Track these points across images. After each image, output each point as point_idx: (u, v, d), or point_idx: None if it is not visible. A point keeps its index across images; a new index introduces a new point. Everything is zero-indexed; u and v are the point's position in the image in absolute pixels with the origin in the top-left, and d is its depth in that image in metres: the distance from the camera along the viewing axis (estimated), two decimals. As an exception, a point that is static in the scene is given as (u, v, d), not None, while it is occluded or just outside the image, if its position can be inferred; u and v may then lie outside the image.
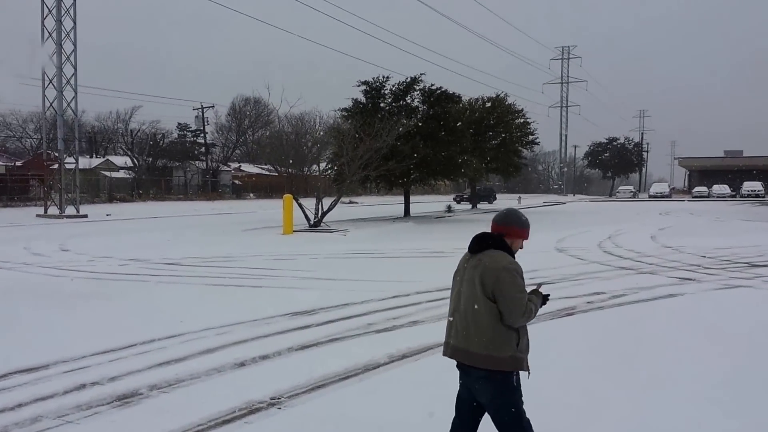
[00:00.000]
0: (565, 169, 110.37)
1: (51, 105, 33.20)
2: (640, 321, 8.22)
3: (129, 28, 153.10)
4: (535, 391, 5.46)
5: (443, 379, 5.63)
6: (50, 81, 32.94)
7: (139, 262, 14.16)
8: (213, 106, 73.49)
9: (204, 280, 11.51)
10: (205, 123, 74.34)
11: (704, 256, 15.01)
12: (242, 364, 6.12)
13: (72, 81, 33.21)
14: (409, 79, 31.12)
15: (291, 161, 25.98)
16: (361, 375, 5.81)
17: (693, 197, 71.42)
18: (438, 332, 7.61)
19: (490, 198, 58.89)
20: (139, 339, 7.00)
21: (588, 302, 9.37)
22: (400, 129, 26.74)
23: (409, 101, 31.52)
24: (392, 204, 50.69)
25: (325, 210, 24.93)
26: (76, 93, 33.52)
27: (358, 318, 8.21)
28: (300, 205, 24.34)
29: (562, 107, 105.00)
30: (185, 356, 6.36)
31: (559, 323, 8.05)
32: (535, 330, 7.77)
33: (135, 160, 67.57)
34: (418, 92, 31.40)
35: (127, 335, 7.16)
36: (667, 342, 7.16)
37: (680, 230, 23.69)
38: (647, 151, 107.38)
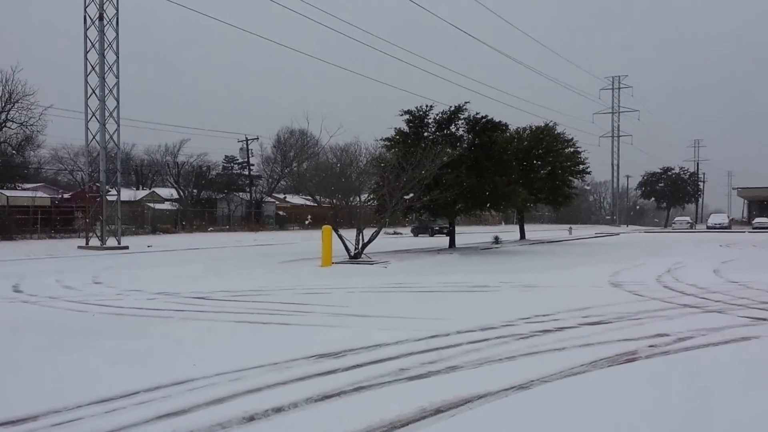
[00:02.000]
0: (618, 199, 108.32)
1: (94, 137, 33.34)
2: (712, 369, 7.20)
3: (179, 62, 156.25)
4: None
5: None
6: (93, 114, 33.12)
7: (168, 296, 13.55)
8: (257, 138, 73.96)
9: (229, 317, 10.79)
10: (250, 155, 74.70)
11: (775, 293, 13.85)
12: (251, 419, 5.32)
13: (115, 114, 33.37)
14: (453, 108, 30.45)
15: (335, 192, 25.43)
16: (385, 435, 4.96)
17: (753, 228, 69.27)
18: (478, 380, 6.76)
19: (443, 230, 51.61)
20: (144, 385, 6.26)
21: (650, 346, 8.35)
22: (445, 158, 25.99)
23: (453, 130, 30.80)
24: (438, 235, 49.85)
25: (365, 241, 24.21)
26: (118, 126, 33.64)
27: (390, 362, 7.37)
28: (340, 236, 23.67)
29: (613, 137, 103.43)
30: (189, 407, 5.59)
31: (619, 372, 7.07)
32: (590, 380, 6.90)
33: (180, 192, 68.05)
34: (463, 121, 30.65)
35: (133, 381, 6.44)
36: (747, 397, 6.18)
37: (745, 264, 22.33)
38: (704, 182, 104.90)
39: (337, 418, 5.32)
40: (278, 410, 5.55)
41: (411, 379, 6.67)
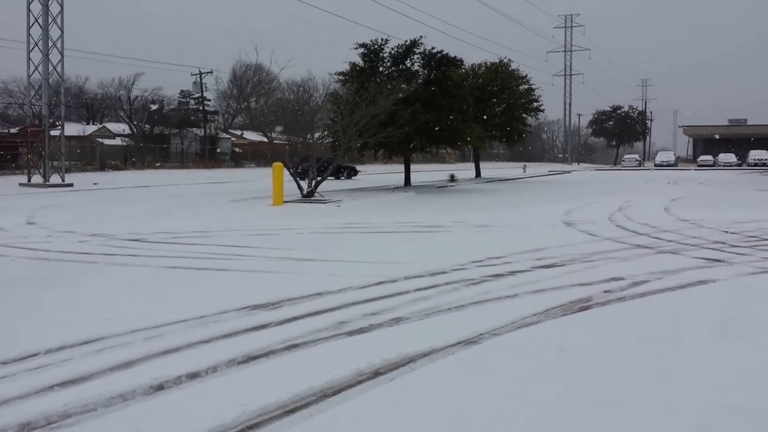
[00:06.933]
0: (570, 137, 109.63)
1: (36, 69, 31.68)
2: (672, 319, 6.73)
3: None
4: None
5: (424, 412, 4.20)
6: (36, 44, 31.42)
7: (102, 238, 12.73)
8: (212, 72, 71.54)
9: (163, 262, 10.05)
10: (205, 89, 72.58)
11: (726, 232, 13.53)
12: (160, 388, 4.65)
13: (59, 44, 31.70)
14: (408, 42, 29.46)
15: (289, 129, 24.63)
16: (312, 406, 4.33)
17: (699, 166, 71.43)
18: (423, 334, 6.18)
19: (342, 173, 43.56)
20: (46, 346, 5.54)
21: (605, 291, 7.90)
22: (400, 94, 25.17)
23: (408, 65, 29.88)
24: (395, 173, 49.19)
25: (318, 179, 23.48)
26: (62, 56, 32.03)
27: (330, 313, 6.77)
28: (292, 174, 22.89)
29: (565, 76, 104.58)
30: (90, 374, 4.90)
31: (573, 322, 6.58)
32: (541, 331, 6.40)
33: (133, 128, 65.93)
34: (418, 56, 29.72)
35: (32, 340, 5.71)
36: (711, 348, 5.73)
37: (693, 201, 22.32)
38: (651, 120, 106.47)
39: (260, 385, 4.69)
40: (194, 376, 4.89)
41: (350, 334, 6.08)
